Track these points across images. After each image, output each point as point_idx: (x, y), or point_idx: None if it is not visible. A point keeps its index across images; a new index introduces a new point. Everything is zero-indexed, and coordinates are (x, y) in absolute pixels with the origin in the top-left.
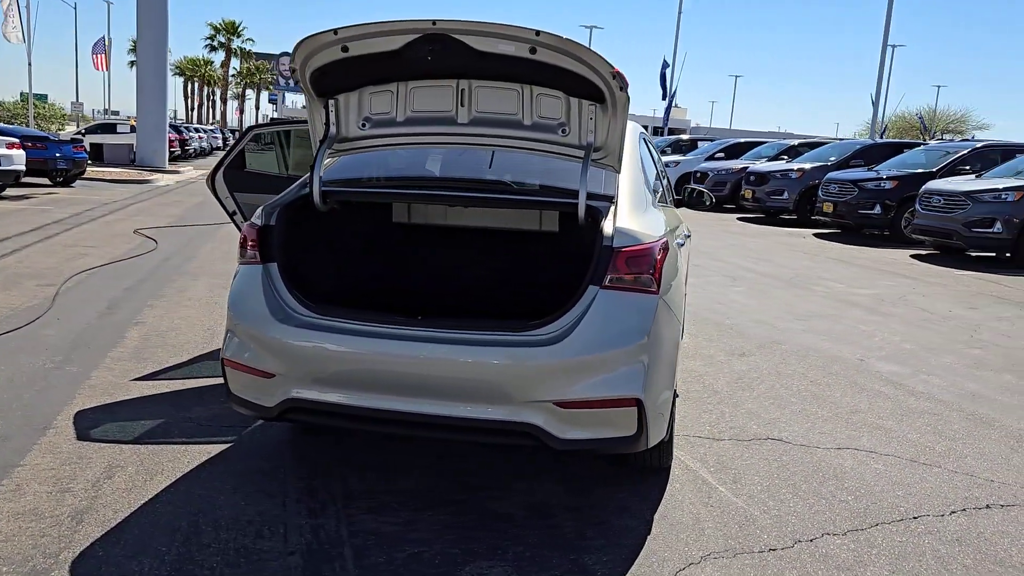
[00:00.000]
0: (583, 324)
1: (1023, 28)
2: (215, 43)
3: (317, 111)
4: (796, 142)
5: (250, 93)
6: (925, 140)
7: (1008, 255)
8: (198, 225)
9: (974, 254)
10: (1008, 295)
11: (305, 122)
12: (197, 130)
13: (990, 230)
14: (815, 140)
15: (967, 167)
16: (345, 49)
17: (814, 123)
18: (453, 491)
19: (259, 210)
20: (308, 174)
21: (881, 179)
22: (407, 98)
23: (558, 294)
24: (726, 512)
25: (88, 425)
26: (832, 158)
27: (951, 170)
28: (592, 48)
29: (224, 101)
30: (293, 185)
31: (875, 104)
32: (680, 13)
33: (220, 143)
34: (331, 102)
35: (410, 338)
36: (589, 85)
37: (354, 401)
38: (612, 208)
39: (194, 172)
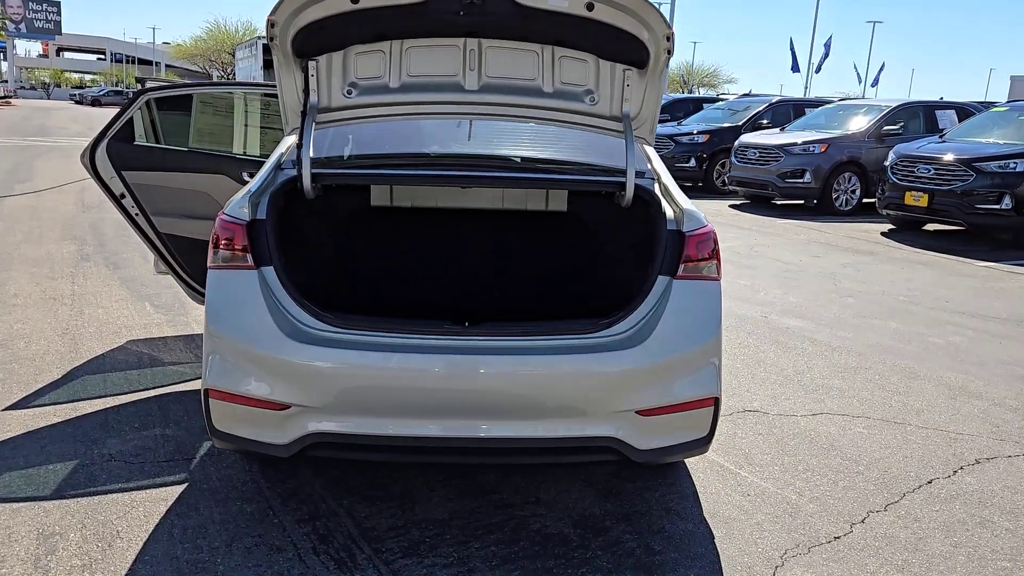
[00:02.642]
0: (664, 321)
1: None
2: None
3: (291, 75)
4: None
5: None
6: (685, 93)
7: (815, 202)
8: None
9: (780, 202)
10: (833, 241)
11: (208, 85)
12: None
13: (801, 180)
14: None
15: (764, 121)
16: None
17: None
18: (486, 513)
19: (234, 201)
20: (276, 153)
21: (694, 134)
22: (402, 60)
23: (584, 283)
24: (767, 501)
25: None
26: None
27: (753, 124)
28: (651, 3)
29: None
30: (265, 167)
31: None
32: None
33: None
34: (311, 63)
35: (462, 350)
36: (637, 47)
37: (395, 430)
38: (658, 186)
39: None
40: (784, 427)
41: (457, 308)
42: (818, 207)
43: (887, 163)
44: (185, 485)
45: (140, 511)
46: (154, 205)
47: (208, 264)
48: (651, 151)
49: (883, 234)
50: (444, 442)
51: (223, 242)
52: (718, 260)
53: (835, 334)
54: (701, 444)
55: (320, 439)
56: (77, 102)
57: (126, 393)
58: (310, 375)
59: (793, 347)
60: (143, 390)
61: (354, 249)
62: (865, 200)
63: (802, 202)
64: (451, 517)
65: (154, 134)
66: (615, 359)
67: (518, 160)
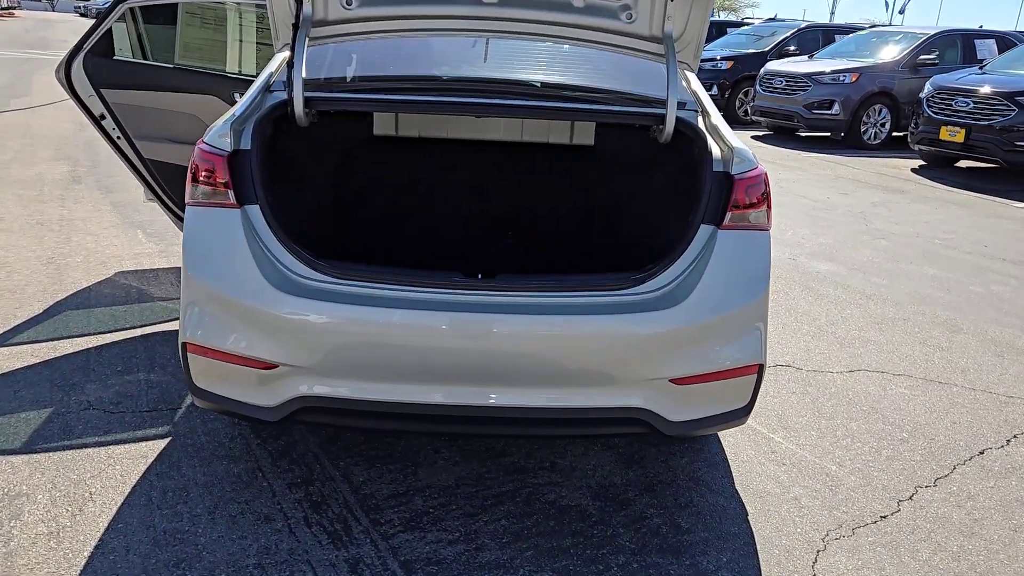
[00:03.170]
0: (707, 276)
1: None
2: None
3: None
4: None
5: None
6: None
7: (842, 135)
8: None
9: (804, 134)
10: (862, 177)
11: None
12: None
13: (829, 111)
14: None
15: (791, 48)
16: None
17: None
18: (496, 480)
19: (214, 128)
20: (264, 73)
21: (716, 60)
22: None
23: (614, 231)
24: (804, 472)
25: None
26: None
27: (779, 51)
28: None
29: None
30: (252, 89)
31: None
32: None
33: None
34: None
35: (473, 307)
36: None
37: (395, 396)
38: (701, 120)
39: None
40: (819, 385)
41: (468, 257)
42: (845, 140)
43: (922, 95)
44: (168, 440)
45: (117, 469)
46: (137, 128)
47: (186, 199)
48: (694, 79)
49: (913, 170)
50: (451, 410)
51: (202, 175)
52: (769, 206)
53: (869, 280)
54: (740, 415)
55: (312, 403)
56: (81, 15)
57: (111, 332)
58: (300, 331)
59: (825, 294)
60: (129, 328)
61: (353, 187)
62: (895, 134)
63: (828, 135)
64: (457, 484)
65: (140, 49)
66: (648, 320)
67: (540, 86)
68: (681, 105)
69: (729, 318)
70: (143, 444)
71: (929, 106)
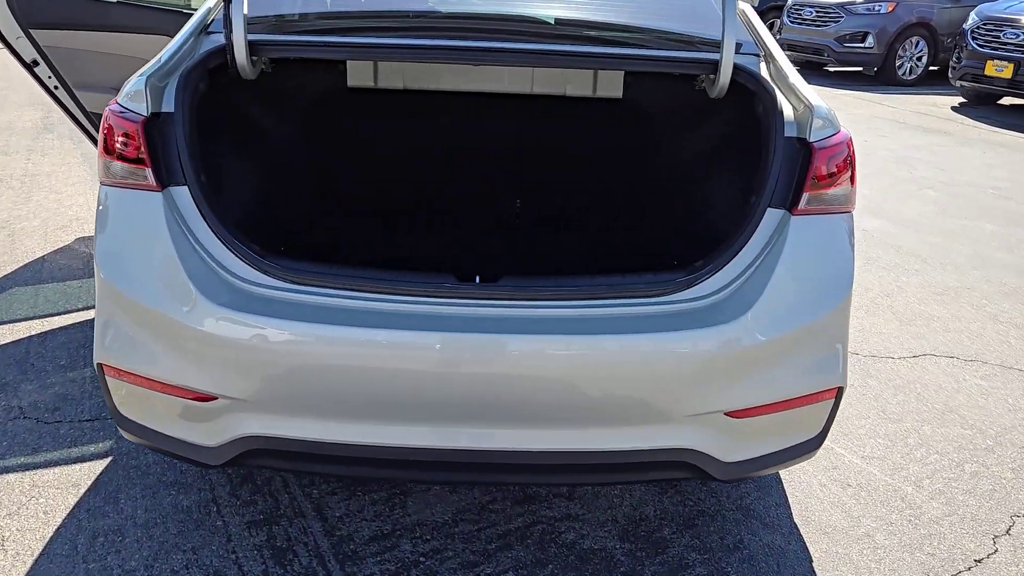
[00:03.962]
0: (776, 278)
1: None
2: None
3: None
4: None
5: None
6: None
7: (875, 70)
8: None
9: (832, 69)
10: (900, 117)
11: None
12: None
13: (862, 44)
14: None
15: None
16: None
17: None
18: (502, 514)
19: (128, 84)
20: (202, 7)
21: None
22: None
23: (649, 215)
24: (876, 497)
25: None
26: None
27: None
28: None
29: None
30: (183, 31)
31: None
32: None
33: None
34: None
35: (473, 323)
36: None
37: (370, 437)
38: (765, 67)
39: None
40: (881, 375)
41: (463, 250)
42: (878, 75)
43: (966, 26)
44: (108, 460)
45: (40, 504)
46: (76, 75)
47: (100, 177)
48: (753, 14)
49: (954, 109)
50: (443, 455)
51: (116, 145)
52: (853, 180)
53: (923, 239)
54: (809, 448)
55: (263, 445)
56: None
57: (60, 314)
58: (242, 354)
59: (876, 258)
60: (81, 310)
61: (317, 157)
62: (931, 68)
63: (859, 70)
64: (455, 519)
65: None
66: (700, 338)
67: (555, 23)
68: (737, 48)
69: (804, 332)
70: (77, 467)
71: (974, 38)
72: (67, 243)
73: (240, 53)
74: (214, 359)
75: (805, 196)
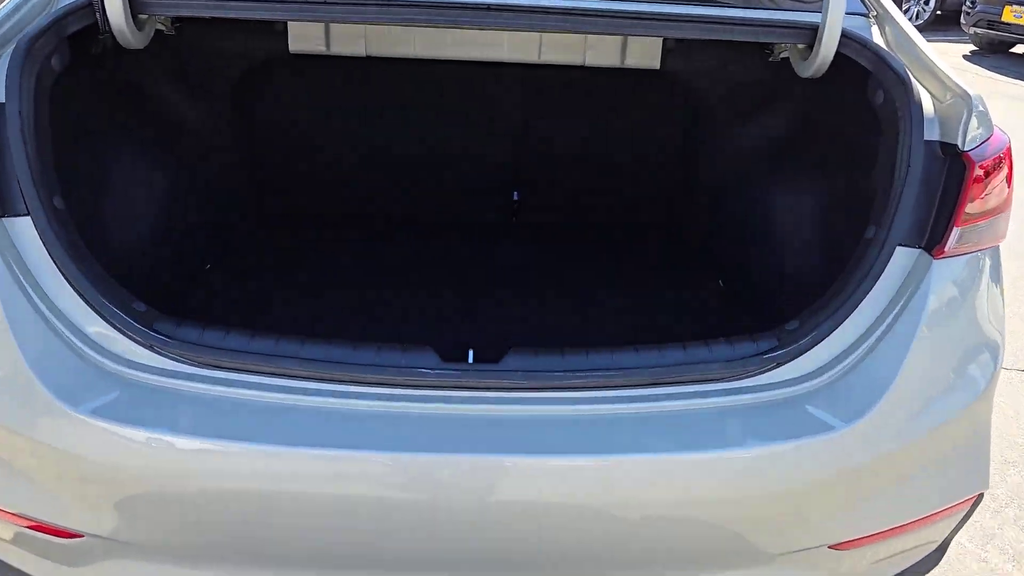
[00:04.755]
0: (914, 354)
1: None
2: None
3: None
4: None
5: None
6: None
7: None
8: None
9: None
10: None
11: None
12: None
13: None
14: None
15: None
16: None
17: None
18: None
19: None
20: None
21: None
22: None
23: (709, 246)
24: None
25: None
26: None
27: None
28: None
29: None
30: None
31: None
32: None
33: None
34: None
35: (470, 436)
36: None
37: None
38: (882, 37)
39: None
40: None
41: (449, 306)
42: None
43: None
44: None
45: None
46: None
47: None
48: None
49: (966, 57)
50: None
51: None
52: (1008, 199)
53: None
54: (925, 568)
55: None
56: None
57: None
58: (117, 477)
59: None
60: None
61: (236, 160)
62: (938, 13)
63: None
64: None
65: None
66: (799, 451)
67: None
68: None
69: (947, 427)
70: None
71: None
72: None
73: (116, 11)
74: (74, 481)
75: (956, 232)
